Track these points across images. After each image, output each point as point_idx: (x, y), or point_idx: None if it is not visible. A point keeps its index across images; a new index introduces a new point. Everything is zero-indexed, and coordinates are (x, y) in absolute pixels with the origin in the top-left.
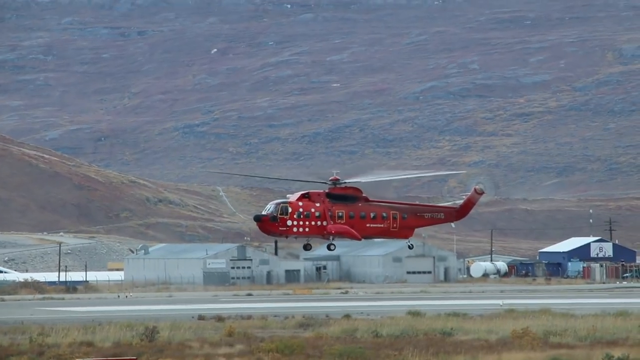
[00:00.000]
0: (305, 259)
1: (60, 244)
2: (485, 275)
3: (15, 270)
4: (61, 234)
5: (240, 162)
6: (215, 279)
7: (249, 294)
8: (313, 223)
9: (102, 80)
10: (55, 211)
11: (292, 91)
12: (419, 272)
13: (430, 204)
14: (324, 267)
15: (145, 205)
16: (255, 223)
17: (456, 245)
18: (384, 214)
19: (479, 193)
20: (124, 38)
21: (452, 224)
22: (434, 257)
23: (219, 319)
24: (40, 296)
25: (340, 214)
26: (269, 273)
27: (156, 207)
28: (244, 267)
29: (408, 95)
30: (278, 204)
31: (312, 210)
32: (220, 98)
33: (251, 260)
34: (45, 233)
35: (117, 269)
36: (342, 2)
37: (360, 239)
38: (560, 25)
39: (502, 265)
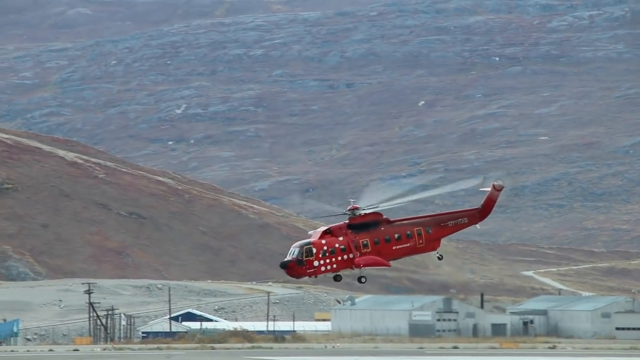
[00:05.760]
0: (512, 313)
1: (268, 293)
2: None
3: (225, 319)
4: (269, 283)
5: None
6: (421, 331)
7: (455, 347)
8: (340, 258)
9: (310, 132)
10: (264, 261)
11: (499, 144)
12: (629, 329)
13: (451, 211)
14: (531, 322)
15: None
16: (283, 270)
17: None
18: (408, 233)
19: (498, 189)
20: (333, 90)
21: (477, 226)
22: None
23: None
24: (249, 345)
25: (365, 242)
26: (475, 326)
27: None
28: (449, 320)
29: (618, 149)
30: (302, 247)
31: (337, 245)
32: (427, 150)
33: (457, 312)
34: (254, 282)
35: (324, 319)
36: (551, 55)
37: (389, 265)
38: None
39: None
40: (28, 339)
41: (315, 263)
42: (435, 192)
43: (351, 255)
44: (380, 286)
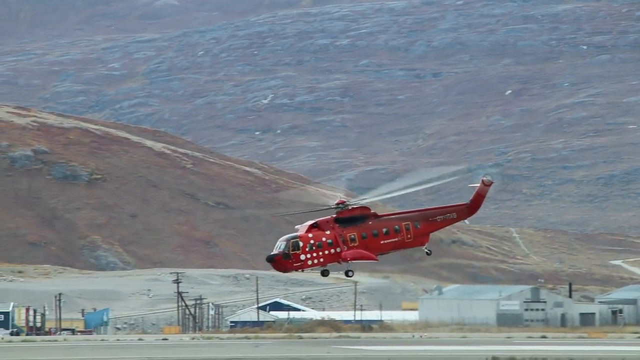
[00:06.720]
0: (601, 302)
1: (356, 283)
2: None
3: (312, 309)
4: (357, 273)
5: (534, 204)
6: (509, 321)
7: (543, 336)
8: (327, 252)
9: (397, 122)
10: None
11: (587, 133)
12: None
13: (439, 206)
14: (620, 311)
15: (439, 245)
16: (270, 264)
17: None
18: (397, 227)
19: (487, 184)
20: (419, 80)
21: (466, 221)
22: None
23: None
24: (337, 334)
25: (352, 236)
26: (563, 315)
27: (449, 248)
28: (537, 309)
29: None
30: (288, 240)
31: (324, 239)
32: (514, 139)
33: (545, 302)
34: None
35: (412, 309)
36: None
37: (377, 260)
38: None
39: None
40: (118, 328)
41: (302, 257)
42: (423, 179)
43: (338, 249)
44: (467, 276)
